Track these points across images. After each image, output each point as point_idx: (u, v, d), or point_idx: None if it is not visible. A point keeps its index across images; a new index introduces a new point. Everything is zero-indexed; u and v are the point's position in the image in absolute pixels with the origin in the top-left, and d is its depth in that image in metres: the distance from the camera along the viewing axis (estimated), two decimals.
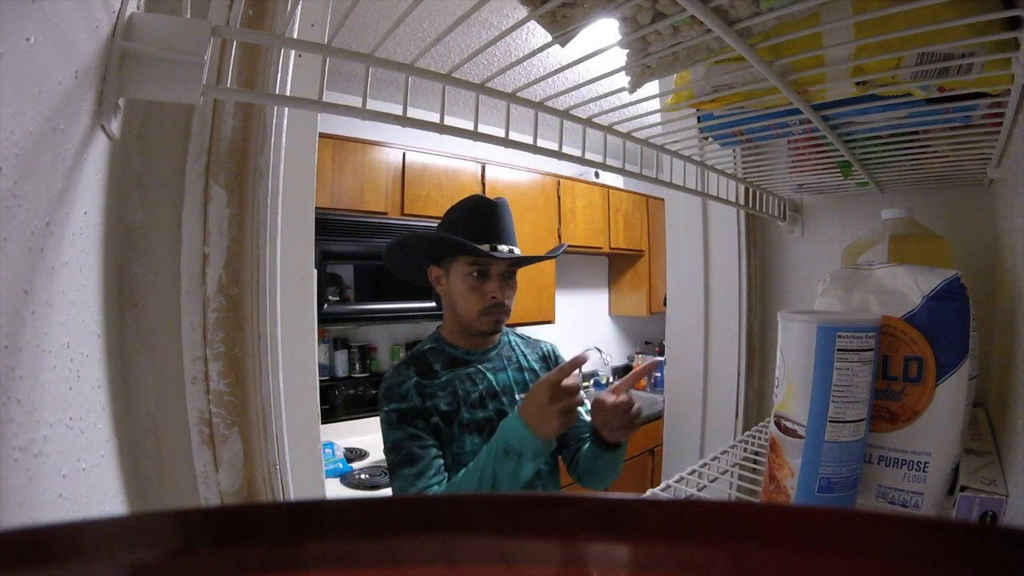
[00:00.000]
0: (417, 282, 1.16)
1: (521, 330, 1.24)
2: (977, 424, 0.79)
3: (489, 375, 1.06)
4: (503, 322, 1.06)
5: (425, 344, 1.08)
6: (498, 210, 1.06)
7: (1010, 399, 0.65)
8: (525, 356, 1.14)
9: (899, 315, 0.48)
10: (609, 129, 0.63)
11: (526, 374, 1.11)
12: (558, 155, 0.57)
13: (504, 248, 1.03)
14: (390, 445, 0.96)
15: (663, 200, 1.42)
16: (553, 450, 1.08)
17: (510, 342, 1.15)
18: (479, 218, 1.04)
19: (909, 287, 0.48)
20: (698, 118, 0.70)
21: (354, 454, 2.21)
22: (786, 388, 0.47)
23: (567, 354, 1.14)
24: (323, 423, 0.89)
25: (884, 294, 0.50)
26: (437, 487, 0.92)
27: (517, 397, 1.06)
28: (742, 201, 0.98)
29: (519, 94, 0.54)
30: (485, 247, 1.00)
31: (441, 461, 0.96)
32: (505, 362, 1.10)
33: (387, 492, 1.86)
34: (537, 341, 1.22)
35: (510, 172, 2.75)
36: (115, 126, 0.40)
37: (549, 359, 1.18)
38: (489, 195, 1.11)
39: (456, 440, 0.99)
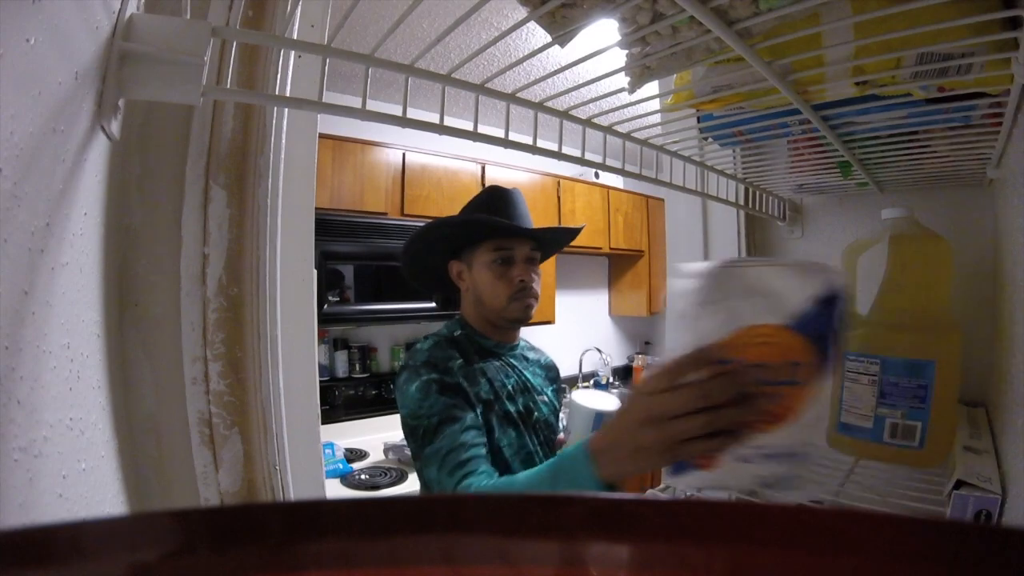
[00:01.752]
0: (436, 288, 1.12)
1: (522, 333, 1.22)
2: (977, 424, 0.79)
3: (517, 370, 1.03)
4: (533, 308, 1.02)
5: (454, 330, 1.02)
6: (515, 196, 1.04)
7: (1010, 399, 0.65)
8: (537, 362, 1.13)
9: (780, 321, 0.43)
10: (609, 129, 0.64)
11: (539, 379, 1.08)
12: (558, 155, 0.57)
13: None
14: (426, 410, 0.85)
15: (663, 200, 1.42)
16: None
17: (522, 345, 1.13)
18: (497, 203, 1.02)
19: (790, 290, 0.44)
20: (698, 118, 0.70)
21: (354, 455, 2.21)
22: None
23: (564, 358, 1.12)
24: (323, 424, 0.86)
25: (761, 298, 0.44)
26: (485, 465, 0.80)
27: (537, 399, 1.03)
28: (742, 201, 0.98)
29: (519, 95, 0.54)
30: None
31: (484, 441, 0.87)
32: (525, 361, 1.08)
33: (387, 492, 1.86)
34: (540, 350, 1.19)
35: (510, 172, 2.75)
36: (115, 127, 0.40)
37: (551, 371, 1.15)
38: None
39: (494, 432, 0.93)
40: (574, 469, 0.55)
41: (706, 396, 0.43)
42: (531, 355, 1.12)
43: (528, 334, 1.20)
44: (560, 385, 1.17)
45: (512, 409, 0.97)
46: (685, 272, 0.45)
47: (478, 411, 0.90)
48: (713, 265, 0.44)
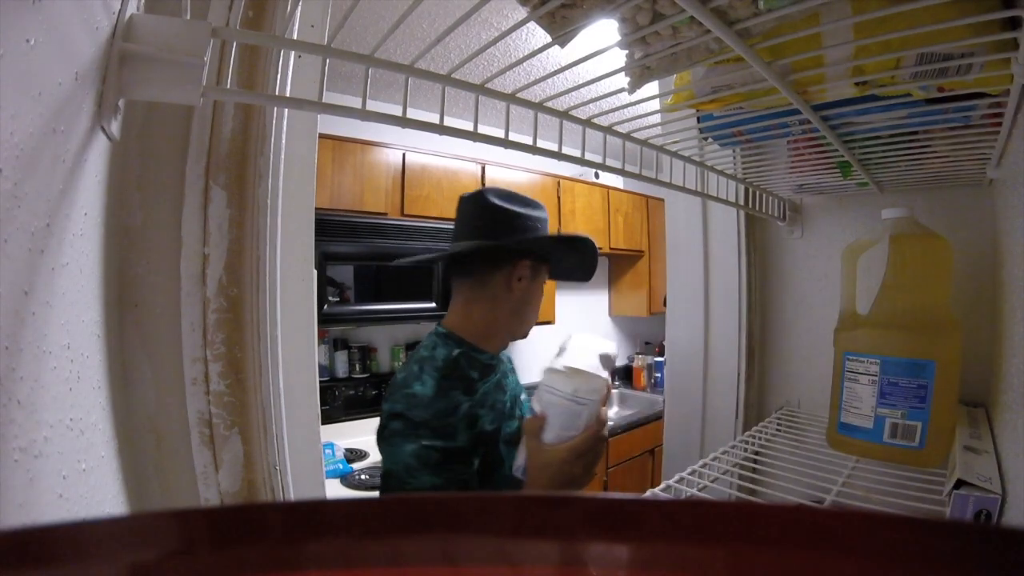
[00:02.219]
0: (429, 266, 1.08)
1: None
2: (977, 424, 0.79)
3: (507, 379, 1.02)
4: None
5: (452, 349, 0.93)
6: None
7: (1010, 399, 0.65)
8: (509, 359, 1.11)
9: (608, 379, 0.75)
10: (609, 130, 0.63)
11: (515, 377, 1.08)
12: (558, 156, 0.57)
13: None
14: (416, 484, 0.81)
15: (663, 200, 1.42)
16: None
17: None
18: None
19: (609, 366, 0.75)
20: (698, 118, 0.70)
21: (354, 455, 2.21)
22: None
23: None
24: (323, 424, 0.86)
25: (603, 380, 0.73)
26: None
27: (523, 403, 1.03)
28: (742, 201, 0.98)
29: (519, 95, 0.54)
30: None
31: None
32: (505, 367, 1.06)
33: None
34: None
35: (510, 172, 2.75)
36: (115, 127, 0.40)
37: (511, 362, 1.12)
38: None
39: (505, 460, 0.89)
40: None
41: (604, 435, 0.74)
42: (504, 355, 1.10)
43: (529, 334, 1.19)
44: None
45: (514, 427, 0.95)
46: (563, 383, 0.73)
47: (475, 465, 0.86)
48: (583, 382, 0.72)
